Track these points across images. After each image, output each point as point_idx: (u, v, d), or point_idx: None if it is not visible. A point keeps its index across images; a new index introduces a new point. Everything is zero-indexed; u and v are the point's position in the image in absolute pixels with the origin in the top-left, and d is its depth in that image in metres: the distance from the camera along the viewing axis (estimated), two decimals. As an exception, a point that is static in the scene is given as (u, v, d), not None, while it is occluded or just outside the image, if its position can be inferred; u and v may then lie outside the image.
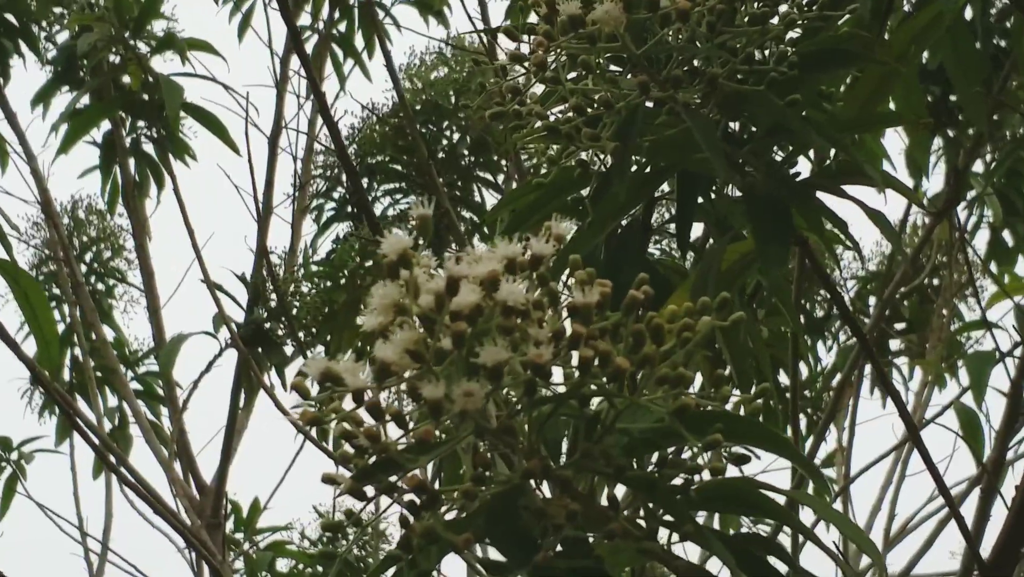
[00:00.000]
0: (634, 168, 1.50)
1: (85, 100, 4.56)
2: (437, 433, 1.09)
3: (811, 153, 1.65)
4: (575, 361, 1.07)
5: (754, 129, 1.50)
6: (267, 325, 4.13)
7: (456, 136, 4.91)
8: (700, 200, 1.66)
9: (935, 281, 5.21)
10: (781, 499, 1.15)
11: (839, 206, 1.60)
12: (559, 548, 1.13)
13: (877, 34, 1.64)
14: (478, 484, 1.09)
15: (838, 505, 4.92)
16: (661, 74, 1.37)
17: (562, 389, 1.09)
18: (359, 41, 4.72)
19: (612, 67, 1.47)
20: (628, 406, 1.12)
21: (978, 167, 3.74)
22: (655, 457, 1.15)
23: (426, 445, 1.08)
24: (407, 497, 1.09)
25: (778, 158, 1.57)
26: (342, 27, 4.73)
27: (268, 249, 4.19)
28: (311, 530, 5.57)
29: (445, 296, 1.05)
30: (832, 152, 1.52)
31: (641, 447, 1.13)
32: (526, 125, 1.46)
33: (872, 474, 4.86)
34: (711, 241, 1.81)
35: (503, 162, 4.82)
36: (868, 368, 5.29)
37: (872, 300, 5.64)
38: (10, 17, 4.42)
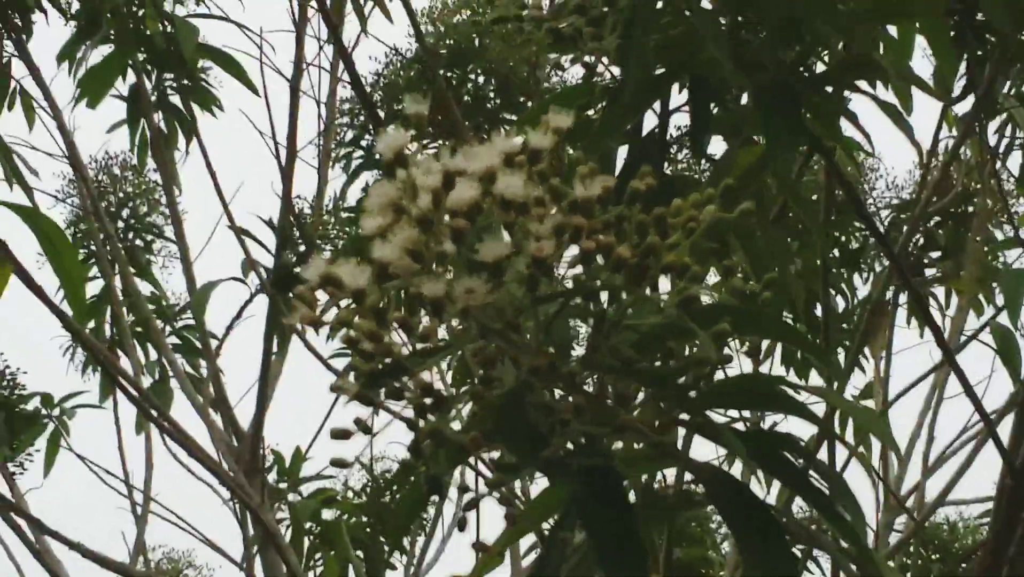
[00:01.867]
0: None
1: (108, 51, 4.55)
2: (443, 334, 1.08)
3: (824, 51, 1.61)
4: (578, 255, 1.05)
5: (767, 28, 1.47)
6: (296, 270, 4.13)
7: (481, 79, 4.88)
8: (715, 109, 1.64)
9: (970, 208, 5.16)
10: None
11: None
12: (573, 448, 1.12)
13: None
14: (485, 384, 1.08)
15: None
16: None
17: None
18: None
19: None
20: (638, 302, 1.11)
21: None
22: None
23: (431, 347, 1.07)
24: (415, 400, 1.08)
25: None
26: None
27: (294, 194, 4.19)
28: (355, 480, 5.60)
29: (442, 192, 1.03)
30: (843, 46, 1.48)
31: (651, 343, 1.11)
32: (531, 32, 1.44)
33: (910, 402, 4.84)
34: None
35: (528, 103, 4.79)
36: (903, 297, 5.26)
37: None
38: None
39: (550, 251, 1.04)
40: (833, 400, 1.13)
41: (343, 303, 1.06)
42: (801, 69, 1.45)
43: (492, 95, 4.86)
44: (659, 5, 1.42)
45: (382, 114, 4.82)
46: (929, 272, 5.38)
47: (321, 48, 4.26)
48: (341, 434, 1.14)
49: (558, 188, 1.08)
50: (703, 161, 1.70)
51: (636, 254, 1.06)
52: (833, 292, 5.71)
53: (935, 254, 5.42)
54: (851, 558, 1.14)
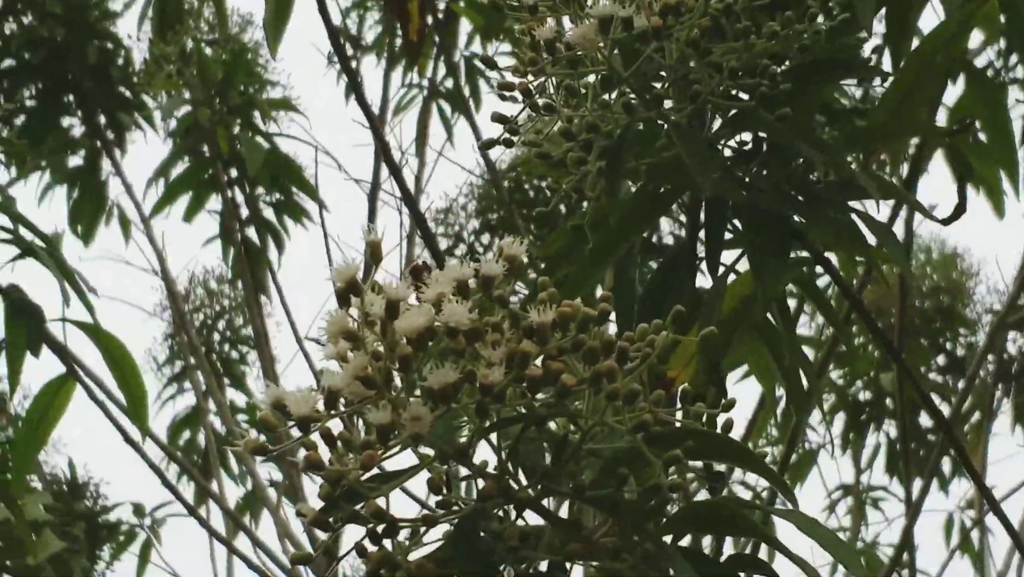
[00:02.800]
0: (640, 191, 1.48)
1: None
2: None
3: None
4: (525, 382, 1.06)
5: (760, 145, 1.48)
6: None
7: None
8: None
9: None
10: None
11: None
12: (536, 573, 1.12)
13: (901, 44, 1.59)
14: (440, 508, 1.08)
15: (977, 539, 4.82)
16: (647, 94, 1.36)
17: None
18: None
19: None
20: (603, 428, 1.11)
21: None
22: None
23: (386, 473, 1.08)
24: (368, 526, 1.09)
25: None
26: (449, 83, 4.78)
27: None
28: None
29: (388, 321, 1.04)
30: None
31: (613, 468, 1.11)
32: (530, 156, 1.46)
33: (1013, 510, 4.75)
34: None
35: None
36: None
37: (1012, 335, 5.51)
38: (124, 90, 4.54)
39: (498, 378, 1.05)
40: (798, 523, 1.11)
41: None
42: (797, 188, 1.44)
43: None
44: (642, 128, 1.43)
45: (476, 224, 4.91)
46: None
47: (402, 166, 4.34)
48: (302, 560, 1.15)
49: (515, 314, 1.09)
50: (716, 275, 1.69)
51: (586, 380, 1.07)
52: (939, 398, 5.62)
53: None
54: None
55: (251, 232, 4.80)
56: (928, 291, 5.65)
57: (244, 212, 4.79)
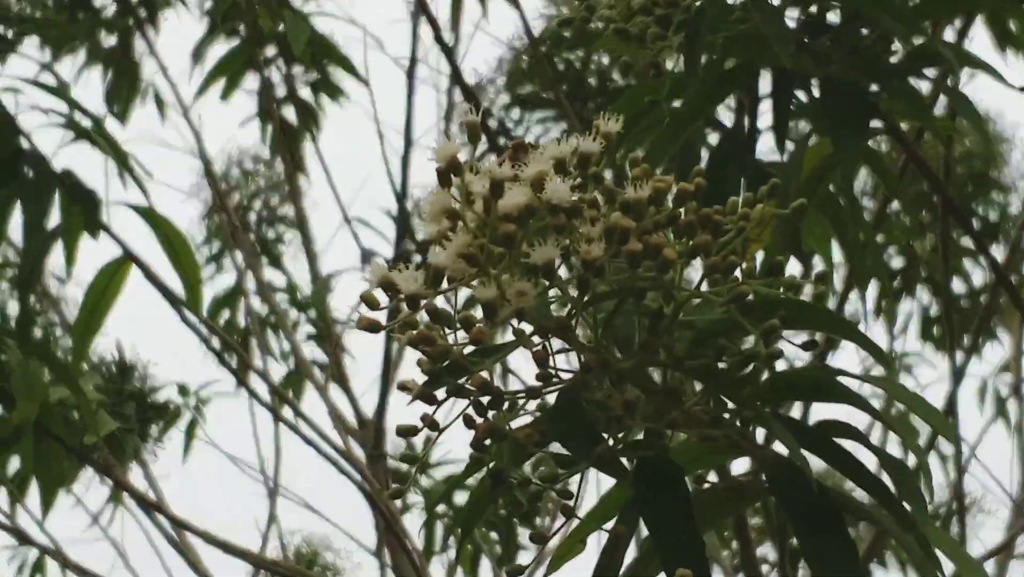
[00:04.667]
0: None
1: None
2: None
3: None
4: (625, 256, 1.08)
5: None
6: (416, 259, 4.21)
7: (605, 60, 4.89)
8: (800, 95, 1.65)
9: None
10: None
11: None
12: (630, 443, 1.15)
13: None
14: (540, 381, 1.11)
15: (1013, 408, 4.84)
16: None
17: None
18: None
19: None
20: (699, 300, 1.14)
21: None
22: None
23: (488, 347, 1.11)
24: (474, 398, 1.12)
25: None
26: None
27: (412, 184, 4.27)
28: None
29: (492, 199, 1.07)
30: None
31: (704, 339, 1.14)
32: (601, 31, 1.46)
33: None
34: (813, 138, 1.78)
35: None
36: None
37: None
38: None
39: (599, 254, 1.07)
40: (893, 392, 1.14)
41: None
42: (870, 59, 1.45)
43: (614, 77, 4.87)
44: (729, 1, 1.44)
45: (506, 99, 4.89)
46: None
47: (438, 37, 4.32)
48: (407, 431, 1.18)
49: (611, 190, 1.11)
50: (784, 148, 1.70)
51: (684, 253, 1.09)
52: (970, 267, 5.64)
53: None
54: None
55: (289, 112, 4.81)
56: (960, 157, 5.64)
57: (280, 92, 4.80)
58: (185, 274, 2.70)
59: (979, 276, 5.03)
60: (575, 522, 1.18)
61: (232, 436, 5.15)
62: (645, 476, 1.12)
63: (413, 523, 5.04)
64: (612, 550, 1.15)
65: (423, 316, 1.11)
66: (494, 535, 5.37)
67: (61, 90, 2.46)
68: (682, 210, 1.11)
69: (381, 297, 1.11)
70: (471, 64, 5.02)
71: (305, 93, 4.97)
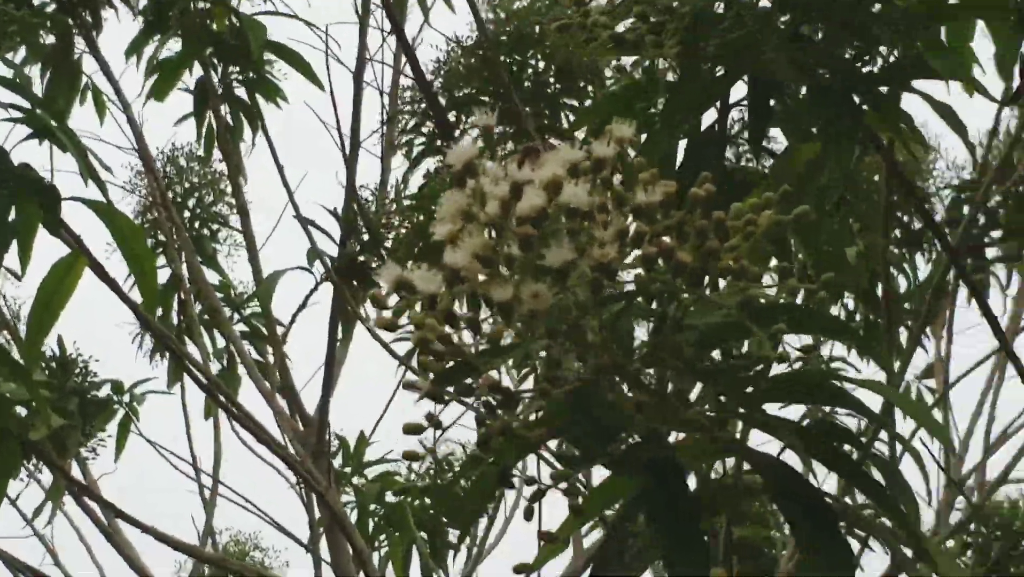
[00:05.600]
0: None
1: (176, 48, 4.65)
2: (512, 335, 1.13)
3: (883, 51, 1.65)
4: (640, 259, 1.10)
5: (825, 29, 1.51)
6: (361, 258, 4.21)
7: (541, 65, 4.91)
8: (774, 104, 1.68)
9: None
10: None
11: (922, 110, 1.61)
12: (637, 442, 1.17)
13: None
14: (551, 383, 1.13)
15: (937, 414, 4.92)
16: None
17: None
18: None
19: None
20: (699, 303, 1.16)
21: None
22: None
23: (499, 347, 1.13)
24: (484, 398, 1.13)
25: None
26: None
27: (357, 184, 4.27)
28: (418, 464, 5.67)
29: (510, 201, 1.08)
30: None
31: (711, 342, 1.16)
32: (594, 37, 1.48)
33: (973, 382, 4.86)
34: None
35: (589, 88, 4.82)
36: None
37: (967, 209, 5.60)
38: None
39: (613, 256, 1.09)
40: (885, 393, 1.17)
41: (416, 306, 1.11)
42: (858, 67, 1.48)
43: (552, 81, 4.89)
44: (720, 8, 1.46)
45: (443, 101, 4.88)
46: (990, 252, 5.38)
47: (384, 40, 4.34)
48: (413, 429, 1.19)
49: (622, 195, 1.13)
50: (760, 154, 1.73)
51: (696, 257, 1.11)
52: (895, 272, 5.73)
53: (996, 234, 5.42)
54: (905, 544, 1.18)
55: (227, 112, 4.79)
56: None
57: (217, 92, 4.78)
58: (140, 267, 2.68)
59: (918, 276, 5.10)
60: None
61: (167, 436, 5.13)
62: (652, 476, 1.14)
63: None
64: (612, 541, 1.17)
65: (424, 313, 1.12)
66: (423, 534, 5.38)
67: (20, 84, 2.43)
68: (690, 215, 1.13)
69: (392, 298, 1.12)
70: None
71: (241, 93, 4.96)
